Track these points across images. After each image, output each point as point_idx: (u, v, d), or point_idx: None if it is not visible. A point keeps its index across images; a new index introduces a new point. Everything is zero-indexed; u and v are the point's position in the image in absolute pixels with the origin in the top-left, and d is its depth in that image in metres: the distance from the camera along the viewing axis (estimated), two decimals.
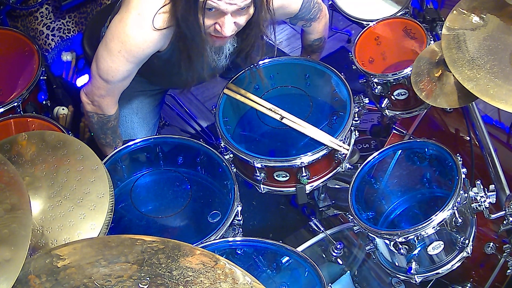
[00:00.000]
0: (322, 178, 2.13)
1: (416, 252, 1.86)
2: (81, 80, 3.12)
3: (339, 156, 2.08)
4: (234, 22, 1.85)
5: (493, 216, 1.89)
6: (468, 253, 1.88)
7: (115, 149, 2.11)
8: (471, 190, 1.88)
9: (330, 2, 2.62)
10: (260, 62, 2.25)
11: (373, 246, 1.96)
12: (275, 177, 2.09)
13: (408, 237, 1.82)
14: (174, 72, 2.12)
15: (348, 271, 2.10)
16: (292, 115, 2.13)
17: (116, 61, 1.96)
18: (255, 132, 2.16)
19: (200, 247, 1.52)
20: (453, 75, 1.88)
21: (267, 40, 2.11)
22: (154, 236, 1.37)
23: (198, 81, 2.15)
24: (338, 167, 2.14)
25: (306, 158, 2.01)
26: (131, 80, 2.08)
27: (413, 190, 2.08)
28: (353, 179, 2.04)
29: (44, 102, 2.44)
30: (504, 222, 1.89)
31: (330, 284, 1.77)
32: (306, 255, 1.84)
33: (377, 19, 2.42)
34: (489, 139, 2.15)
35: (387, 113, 2.33)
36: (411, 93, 2.20)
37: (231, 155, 2.10)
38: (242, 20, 1.87)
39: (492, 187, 1.90)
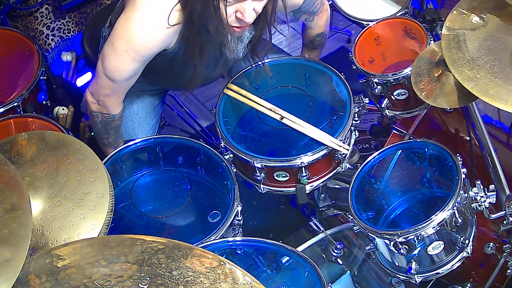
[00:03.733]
0: (322, 178, 2.13)
1: (416, 252, 1.86)
2: (81, 80, 3.12)
3: (339, 156, 2.08)
4: (253, 9, 1.86)
5: (493, 216, 1.89)
6: (468, 253, 1.88)
7: (115, 149, 2.12)
8: (471, 190, 1.88)
9: (330, 2, 2.62)
10: (261, 62, 2.25)
11: (373, 246, 1.96)
12: (275, 177, 2.09)
13: (408, 237, 1.82)
14: (178, 71, 2.12)
15: (348, 271, 2.10)
16: (292, 115, 2.13)
17: (123, 60, 1.96)
18: (255, 132, 2.16)
19: (200, 247, 1.52)
20: (453, 75, 1.88)
21: (275, 31, 2.11)
22: (154, 236, 1.37)
23: (206, 79, 2.14)
24: (338, 167, 2.14)
25: (306, 158, 2.01)
26: (137, 79, 2.08)
27: (413, 190, 2.08)
28: (353, 179, 2.04)
29: (44, 102, 2.44)
30: (504, 222, 1.89)
31: (330, 284, 1.77)
32: (306, 255, 1.84)
33: (377, 19, 2.42)
34: (489, 139, 2.15)
35: (387, 113, 2.33)
36: (411, 93, 2.20)
37: (231, 155, 2.10)
38: (260, 6, 1.88)
39: (492, 187, 1.89)
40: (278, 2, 1.97)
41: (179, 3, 1.88)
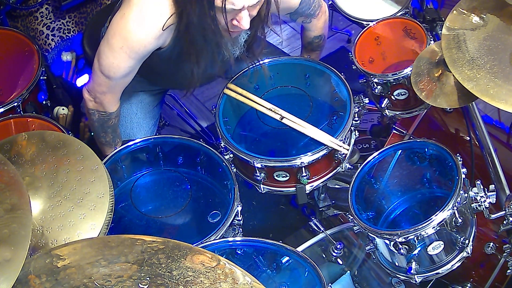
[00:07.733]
0: (322, 178, 2.13)
1: (416, 252, 1.86)
2: (81, 80, 3.12)
3: (339, 156, 2.08)
4: (248, 14, 1.88)
5: (493, 216, 1.89)
6: (468, 253, 1.88)
7: (115, 149, 2.12)
8: (471, 190, 1.88)
9: (330, 2, 2.62)
10: (260, 62, 2.25)
11: (373, 246, 1.96)
12: (275, 177, 2.09)
13: (408, 237, 1.82)
14: (174, 70, 2.12)
15: (348, 271, 2.10)
16: (292, 115, 2.13)
17: (118, 57, 1.97)
18: (255, 132, 2.16)
19: (200, 247, 1.52)
20: (453, 75, 1.88)
21: (270, 33, 2.12)
22: (154, 236, 1.37)
23: (205, 79, 2.15)
24: (338, 167, 2.14)
25: (306, 158, 2.01)
26: (133, 77, 2.08)
27: (413, 190, 2.08)
28: (353, 179, 2.04)
29: (44, 102, 2.44)
30: (504, 222, 1.89)
31: (330, 284, 1.77)
32: (306, 255, 1.84)
33: (377, 19, 2.42)
34: (489, 139, 2.15)
35: (387, 113, 2.33)
36: (411, 93, 2.20)
37: (231, 155, 2.10)
38: (255, 10, 1.91)
39: (492, 187, 1.89)
40: (272, 4, 1.97)
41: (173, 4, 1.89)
